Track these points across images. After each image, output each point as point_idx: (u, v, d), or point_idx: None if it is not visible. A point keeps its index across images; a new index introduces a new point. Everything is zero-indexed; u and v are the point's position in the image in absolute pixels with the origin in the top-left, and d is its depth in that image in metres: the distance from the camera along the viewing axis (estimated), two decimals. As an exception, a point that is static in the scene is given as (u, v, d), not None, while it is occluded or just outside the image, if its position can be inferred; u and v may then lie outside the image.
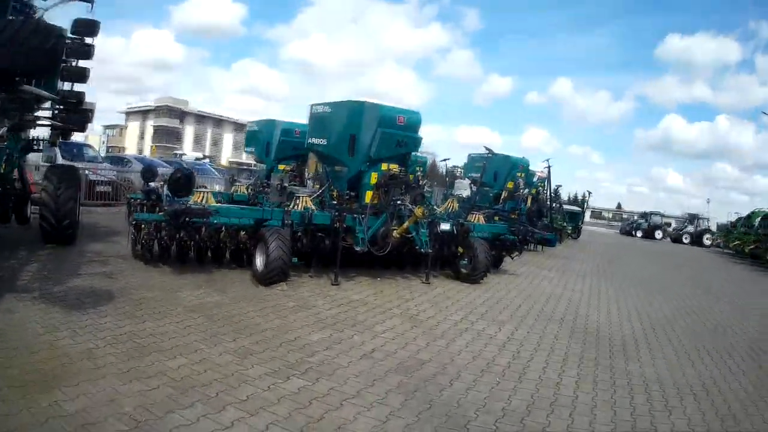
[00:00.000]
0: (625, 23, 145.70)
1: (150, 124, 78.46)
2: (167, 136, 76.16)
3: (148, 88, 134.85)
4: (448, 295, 8.81)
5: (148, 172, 11.39)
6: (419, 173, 19.90)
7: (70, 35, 8.56)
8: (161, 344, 4.90)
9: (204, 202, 8.35)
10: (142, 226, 8.14)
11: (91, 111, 9.64)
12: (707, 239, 39.47)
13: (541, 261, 15.62)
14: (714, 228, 40.90)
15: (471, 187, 21.07)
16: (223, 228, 8.40)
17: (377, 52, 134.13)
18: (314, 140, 10.09)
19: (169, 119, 77.10)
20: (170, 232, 8.02)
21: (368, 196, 9.40)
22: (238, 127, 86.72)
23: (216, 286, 7.42)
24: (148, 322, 5.53)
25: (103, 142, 71.42)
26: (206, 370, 4.42)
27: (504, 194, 17.53)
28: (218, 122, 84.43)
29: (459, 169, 25.39)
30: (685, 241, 40.04)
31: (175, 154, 59.43)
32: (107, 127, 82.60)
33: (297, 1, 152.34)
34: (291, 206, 9.07)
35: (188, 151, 66.21)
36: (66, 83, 8.97)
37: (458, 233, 10.26)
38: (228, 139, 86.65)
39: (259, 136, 13.91)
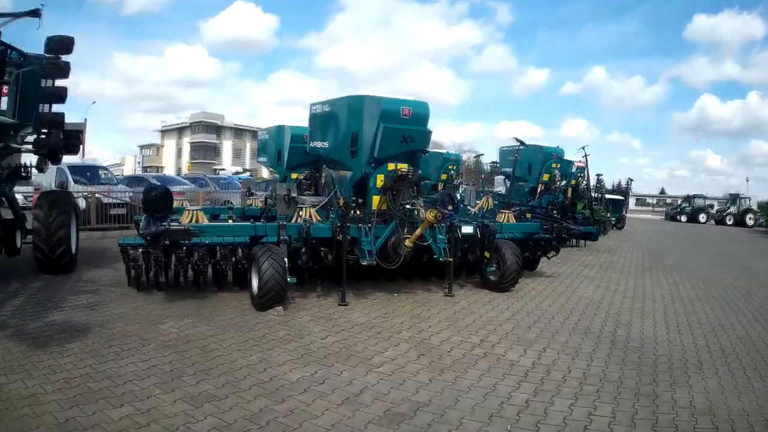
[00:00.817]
0: (651, 7, 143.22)
1: (186, 141, 79.42)
2: (204, 152, 76.93)
3: (183, 105, 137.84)
4: (472, 310, 7.83)
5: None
6: (452, 172, 19.29)
7: (44, 54, 8.02)
8: (114, 389, 4.24)
9: (193, 221, 7.64)
10: (130, 250, 7.51)
11: (81, 132, 9.11)
12: (750, 219, 38.73)
13: (583, 257, 14.45)
14: (755, 207, 39.91)
15: (505, 183, 19.97)
16: (218, 248, 7.67)
17: (412, 53, 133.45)
18: (316, 143, 9.30)
19: (206, 135, 77.82)
20: (157, 256, 7.37)
21: (375, 201, 8.32)
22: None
23: (205, 314, 6.71)
24: (111, 362, 4.86)
25: (138, 162, 72.44)
26: (149, 423, 3.69)
27: (540, 188, 16.36)
28: (256, 135, 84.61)
29: (497, 165, 24.51)
30: (728, 222, 39.20)
31: (214, 169, 59.96)
32: (142, 146, 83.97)
33: (327, 8, 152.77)
34: (293, 218, 8.33)
35: (227, 166, 66.81)
36: (46, 105, 8.45)
37: (483, 236, 9.31)
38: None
39: (269, 144, 13.13)
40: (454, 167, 19.84)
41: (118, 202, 16.32)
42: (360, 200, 8.48)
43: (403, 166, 8.39)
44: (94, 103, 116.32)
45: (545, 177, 16.09)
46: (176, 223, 7.05)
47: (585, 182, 22.50)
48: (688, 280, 11.50)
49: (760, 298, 9.79)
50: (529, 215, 12.07)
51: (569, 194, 22.05)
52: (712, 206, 45.87)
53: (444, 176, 18.54)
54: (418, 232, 7.98)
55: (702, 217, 41.48)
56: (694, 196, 44.55)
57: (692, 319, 7.90)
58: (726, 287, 10.81)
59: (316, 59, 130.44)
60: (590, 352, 6.06)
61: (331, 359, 5.29)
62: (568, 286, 10.15)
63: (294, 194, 9.15)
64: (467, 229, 9.09)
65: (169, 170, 77.01)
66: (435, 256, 8.48)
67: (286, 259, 7.08)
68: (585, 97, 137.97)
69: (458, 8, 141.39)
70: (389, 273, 8.67)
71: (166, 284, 7.89)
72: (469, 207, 15.87)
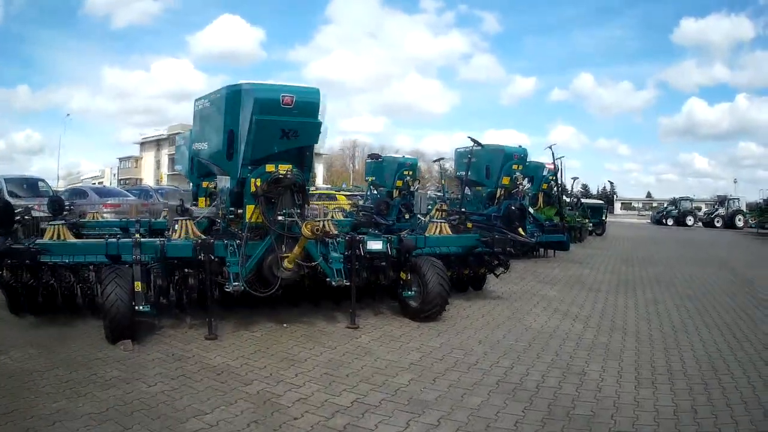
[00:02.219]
0: (639, 11, 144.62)
1: (165, 153, 77.10)
2: (184, 165, 74.51)
3: (171, 118, 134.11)
4: (369, 350, 5.73)
5: (55, 203, 9.25)
6: (408, 178, 17.03)
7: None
8: None
9: (53, 237, 6.84)
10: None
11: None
12: (739, 220, 37.46)
13: (548, 271, 12.13)
14: (744, 208, 38.93)
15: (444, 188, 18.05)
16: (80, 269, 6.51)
17: (399, 64, 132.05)
18: (197, 145, 7.74)
19: (183, 147, 75.41)
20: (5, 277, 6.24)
21: (249, 211, 6.59)
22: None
23: (53, 345, 5.54)
24: None
25: (114, 175, 69.80)
26: None
27: (499, 193, 14.05)
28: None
29: (443, 168, 22.67)
30: (717, 224, 38.02)
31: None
32: (122, 159, 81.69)
33: (314, 20, 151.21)
34: (170, 233, 7.14)
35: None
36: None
37: (399, 252, 7.28)
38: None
39: (183, 150, 10.76)
40: (411, 173, 17.78)
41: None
42: (239, 211, 6.79)
43: (287, 167, 6.57)
44: (68, 115, 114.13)
45: (505, 180, 13.79)
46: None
47: (557, 186, 20.35)
48: (672, 298, 9.18)
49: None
50: (469, 225, 9.67)
51: (540, 200, 19.99)
52: (699, 209, 45.04)
53: (399, 183, 16.93)
54: (296, 250, 6.27)
55: (689, 220, 40.31)
56: (681, 199, 43.38)
57: (674, 362, 5.59)
58: (722, 309, 8.46)
59: (304, 71, 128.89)
60: (509, 429, 3.72)
61: (136, 418, 3.89)
62: (516, 312, 7.82)
63: (188, 206, 7.71)
64: (374, 245, 7.12)
65: (149, 182, 74.69)
66: (327, 279, 6.59)
67: (138, 283, 5.78)
68: (572, 103, 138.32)
69: (445, 18, 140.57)
70: (291, 297, 7.31)
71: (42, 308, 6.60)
72: (419, 215, 13.68)
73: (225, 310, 6.76)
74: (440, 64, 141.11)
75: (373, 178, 19.42)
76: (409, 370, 5.15)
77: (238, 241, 6.33)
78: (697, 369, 5.33)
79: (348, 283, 6.56)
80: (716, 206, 41.25)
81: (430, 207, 17.72)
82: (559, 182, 20.32)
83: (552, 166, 20.55)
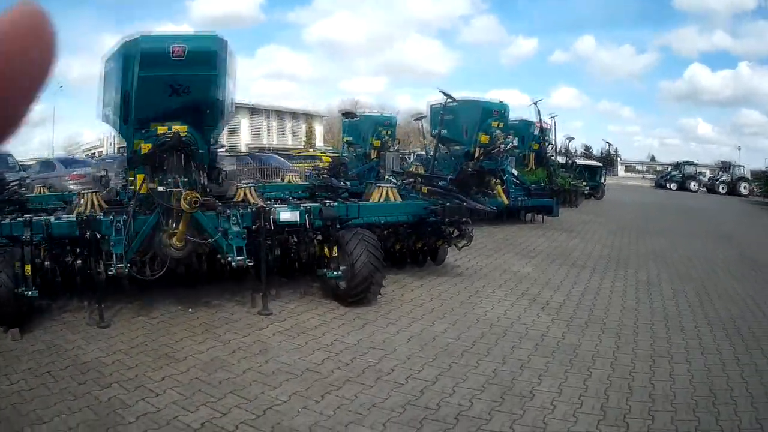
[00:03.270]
0: None
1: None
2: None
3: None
4: (267, 347, 4.63)
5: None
6: (386, 137, 15.35)
7: None
8: None
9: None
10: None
11: None
12: (744, 188, 35.54)
13: (530, 240, 10.62)
14: (749, 175, 36.92)
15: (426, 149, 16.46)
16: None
17: (400, 24, 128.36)
18: (105, 110, 6.57)
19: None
20: None
21: (138, 180, 5.71)
22: (254, 111, 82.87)
23: None
24: None
25: (110, 144, 67.64)
26: None
27: (477, 152, 12.39)
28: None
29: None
30: (721, 191, 36.03)
31: None
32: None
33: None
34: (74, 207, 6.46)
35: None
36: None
37: (324, 225, 6.05)
38: (245, 124, 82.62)
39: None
40: (389, 132, 16.13)
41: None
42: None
43: (182, 128, 5.51)
44: (61, 87, 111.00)
45: (483, 138, 12.11)
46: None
47: (549, 146, 18.65)
48: (669, 281, 7.66)
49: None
50: (424, 189, 8.05)
51: (531, 161, 18.31)
52: (703, 174, 43.08)
53: (377, 142, 15.43)
54: (181, 225, 5.28)
55: (693, 185, 38.57)
56: (684, 163, 41.38)
57: (660, 379, 4.08)
58: (727, 298, 6.91)
59: (304, 32, 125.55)
60: None
61: None
62: (473, 295, 6.35)
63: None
64: (288, 216, 5.94)
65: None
66: (228, 259, 5.41)
67: (21, 264, 4.95)
68: (574, 65, 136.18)
69: None
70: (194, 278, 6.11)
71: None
72: (390, 177, 12.16)
73: (139, 291, 5.71)
74: (441, 25, 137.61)
75: (350, 138, 17.85)
76: (298, 378, 3.90)
77: (125, 217, 5.33)
78: (689, 393, 3.83)
79: (251, 263, 5.38)
80: (720, 172, 39.57)
81: (405, 168, 16.19)
82: (551, 142, 18.69)
83: (545, 125, 18.89)
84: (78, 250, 5.51)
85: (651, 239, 11.79)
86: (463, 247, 7.32)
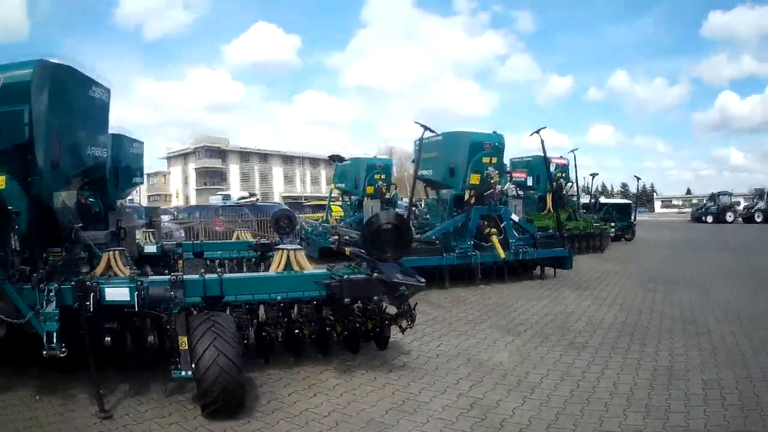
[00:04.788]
0: (667, 5, 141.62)
1: (192, 167, 75.40)
2: (210, 178, 72.79)
3: (211, 130, 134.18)
4: None
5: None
6: (380, 182, 13.65)
7: None
8: None
9: None
10: None
11: None
12: None
13: (527, 304, 8.45)
14: None
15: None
16: None
17: (436, 67, 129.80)
18: None
19: (209, 159, 73.65)
20: None
21: None
22: (286, 159, 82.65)
23: None
24: None
25: (136, 192, 67.96)
26: None
27: (467, 195, 10.39)
28: (264, 156, 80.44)
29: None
30: (757, 219, 34.54)
31: (220, 195, 55.74)
32: (149, 174, 79.98)
33: (349, 25, 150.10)
34: None
35: (235, 190, 61.97)
36: None
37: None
38: (278, 173, 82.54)
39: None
40: (382, 176, 14.44)
41: None
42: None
43: None
44: None
45: (473, 179, 10.12)
46: None
47: (569, 184, 16.47)
48: (701, 366, 5.34)
49: None
50: (347, 251, 6.00)
51: (548, 203, 16.14)
52: (738, 203, 41.46)
53: (369, 189, 14.32)
54: None
55: (729, 216, 36.83)
56: (720, 194, 39.33)
57: None
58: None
59: (340, 77, 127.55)
60: None
61: None
62: (395, 407, 4.27)
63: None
64: (114, 293, 4.32)
65: (178, 199, 73.12)
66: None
67: None
68: (609, 101, 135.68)
69: (480, 19, 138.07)
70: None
71: None
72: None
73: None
74: (476, 66, 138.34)
75: (341, 185, 16.18)
76: None
77: None
78: None
79: (63, 354, 4.11)
80: (755, 200, 37.91)
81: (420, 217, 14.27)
82: (569, 179, 16.51)
83: (562, 161, 16.76)
84: None
85: (681, 292, 9.38)
86: (406, 328, 5.32)
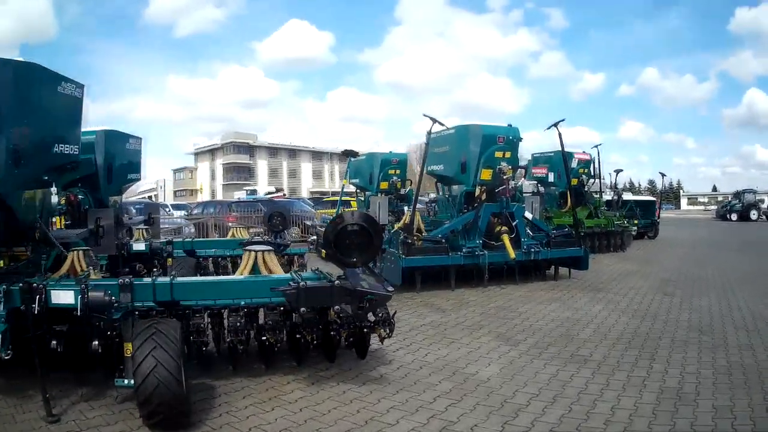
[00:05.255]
0: (693, 2, 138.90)
1: (219, 163, 75.96)
2: (238, 173, 73.21)
3: (244, 126, 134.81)
4: None
5: None
6: (395, 178, 13.25)
7: None
8: None
9: None
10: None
11: None
12: None
13: (536, 308, 7.92)
14: None
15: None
16: None
17: (469, 64, 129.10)
18: None
19: (237, 155, 74.07)
20: None
21: None
22: (315, 155, 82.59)
23: None
24: None
25: (161, 187, 68.29)
26: None
27: (478, 191, 9.85)
28: (293, 153, 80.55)
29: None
30: None
31: (247, 190, 56.28)
32: (176, 170, 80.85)
33: (383, 21, 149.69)
34: None
35: (263, 186, 62.23)
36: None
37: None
38: (306, 168, 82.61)
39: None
40: (397, 171, 13.93)
41: None
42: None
43: None
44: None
45: (484, 174, 9.56)
46: None
47: (591, 180, 15.72)
48: (713, 387, 4.73)
49: None
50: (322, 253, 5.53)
51: (569, 200, 15.45)
52: (762, 201, 40.80)
53: (384, 184, 13.64)
54: None
55: (753, 214, 36.05)
56: (744, 191, 38.40)
57: None
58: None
59: (374, 74, 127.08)
60: None
61: None
62: (356, 429, 3.79)
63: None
64: (61, 297, 4.10)
65: (205, 193, 73.86)
66: None
67: None
68: (640, 98, 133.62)
69: (513, 16, 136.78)
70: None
71: None
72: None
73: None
74: (510, 63, 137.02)
75: (356, 180, 15.71)
76: None
77: None
78: None
79: (7, 357, 3.88)
80: None
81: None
82: (592, 175, 15.76)
83: (585, 156, 16.00)
84: None
85: (701, 296, 8.70)
86: (384, 338, 4.86)
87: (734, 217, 36.69)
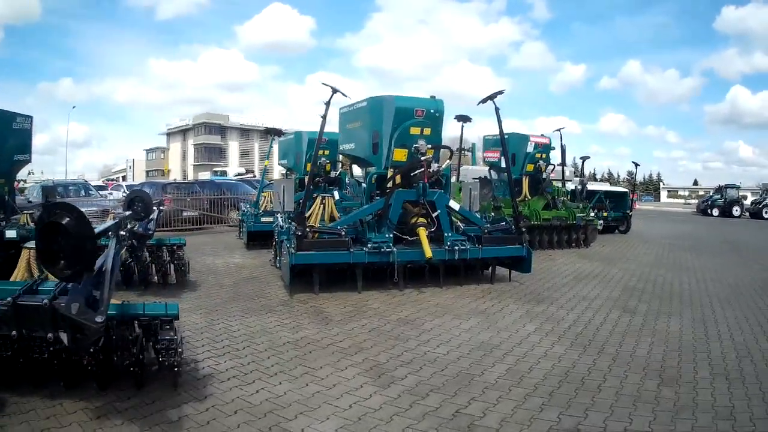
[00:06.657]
0: None
1: (190, 143, 73.27)
2: (209, 154, 70.73)
3: (223, 108, 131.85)
4: None
5: None
6: (322, 159, 11.75)
7: None
8: None
9: None
10: None
11: None
12: None
13: (444, 324, 5.90)
14: None
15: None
16: None
17: (450, 52, 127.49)
18: None
19: (209, 136, 71.47)
20: None
21: None
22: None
23: None
24: None
25: (130, 167, 65.58)
26: None
27: (389, 174, 7.77)
28: (265, 134, 77.94)
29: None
30: (765, 215, 32.77)
31: (215, 171, 54.26)
32: (148, 150, 78.21)
33: (365, 7, 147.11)
34: None
35: (233, 167, 60.14)
36: None
37: None
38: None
39: None
40: (326, 152, 12.11)
41: None
42: None
43: None
44: (74, 107, 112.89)
45: (397, 155, 7.53)
46: None
47: (550, 167, 13.74)
48: None
49: None
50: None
51: (524, 187, 13.61)
52: (745, 197, 39.60)
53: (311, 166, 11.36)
54: None
55: (735, 211, 34.98)
56: (726, 187, 36.93)
57: None
58: None
59: (354, 59, 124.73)
60: None
61: None
62: None
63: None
64: None
65: (176, 173, 71.55)
66: None
67: None
68: (621, 91, 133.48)
69: (496, 5, 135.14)
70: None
71: None
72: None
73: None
74: (491, 52, 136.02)
75: (284, 161, 13.72)
76: None
77: None
78: None
79: None
80: (763, 195, 35.43)
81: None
82: (549, 161, 13.77)
83: (543, 140, 13.99)
84: None
85: (670, 316, 6.67)
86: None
87: (715, 212, 35.52)
